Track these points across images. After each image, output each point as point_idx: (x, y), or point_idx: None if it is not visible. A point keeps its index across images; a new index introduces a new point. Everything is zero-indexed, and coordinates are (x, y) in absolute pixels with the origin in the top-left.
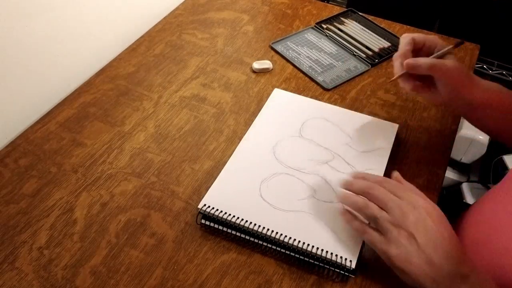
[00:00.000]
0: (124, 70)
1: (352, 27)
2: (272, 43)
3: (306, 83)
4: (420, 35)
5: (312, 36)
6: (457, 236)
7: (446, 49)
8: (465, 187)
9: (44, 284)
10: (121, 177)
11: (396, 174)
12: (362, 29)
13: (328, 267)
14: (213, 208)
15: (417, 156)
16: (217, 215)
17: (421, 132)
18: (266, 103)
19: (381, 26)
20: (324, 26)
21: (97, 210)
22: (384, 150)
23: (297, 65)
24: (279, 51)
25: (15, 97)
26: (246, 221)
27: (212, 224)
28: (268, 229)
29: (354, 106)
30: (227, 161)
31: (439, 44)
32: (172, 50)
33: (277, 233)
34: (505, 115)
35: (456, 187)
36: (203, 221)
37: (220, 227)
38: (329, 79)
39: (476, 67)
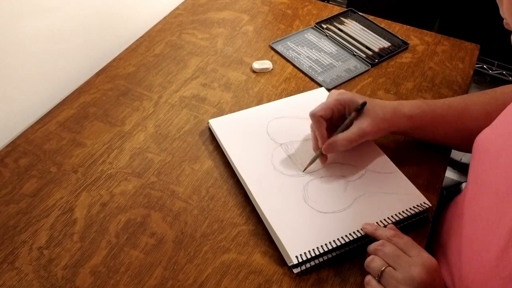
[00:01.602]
0: (124, 70)
1: (352, 27)
2: (272, 43)
3: (306, 83)
4: (326, 107)
5: (312, 36)
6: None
7: (351, 117)
8: (465, 187)
9: (44, 284)
10: (121, 177)
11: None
12: (362, 29)
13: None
14: (304, 253)
15: (417, 156)
16: (311, 256)
17: None
18: (217, 136)
19: (381, 26)
20: (324, 26)
21: (97, 210)
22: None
23: (297, 65)
24: (279, 51)
25: (15, 97)
26: (333, 241)
27: (308, 265)
28: (351, 234)
29: None
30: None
31: (349, 100)
32: (172, 50)
33: (358, 231)
34: (434, 130)
35: (456, 187)
36: (298, 269)
37: (313, 262)
38: (329, 79)
39: (476, 67)
